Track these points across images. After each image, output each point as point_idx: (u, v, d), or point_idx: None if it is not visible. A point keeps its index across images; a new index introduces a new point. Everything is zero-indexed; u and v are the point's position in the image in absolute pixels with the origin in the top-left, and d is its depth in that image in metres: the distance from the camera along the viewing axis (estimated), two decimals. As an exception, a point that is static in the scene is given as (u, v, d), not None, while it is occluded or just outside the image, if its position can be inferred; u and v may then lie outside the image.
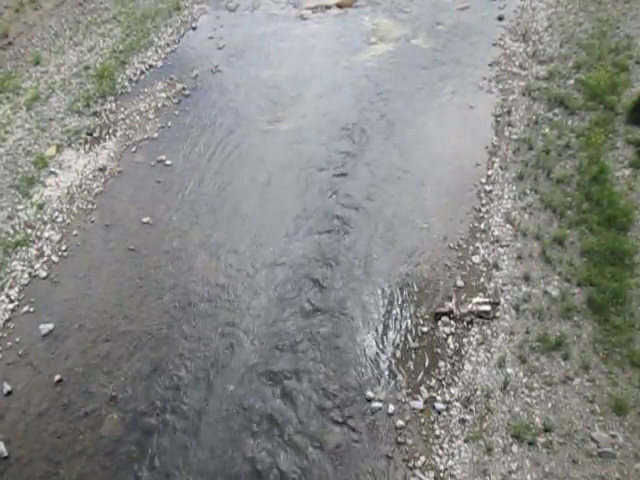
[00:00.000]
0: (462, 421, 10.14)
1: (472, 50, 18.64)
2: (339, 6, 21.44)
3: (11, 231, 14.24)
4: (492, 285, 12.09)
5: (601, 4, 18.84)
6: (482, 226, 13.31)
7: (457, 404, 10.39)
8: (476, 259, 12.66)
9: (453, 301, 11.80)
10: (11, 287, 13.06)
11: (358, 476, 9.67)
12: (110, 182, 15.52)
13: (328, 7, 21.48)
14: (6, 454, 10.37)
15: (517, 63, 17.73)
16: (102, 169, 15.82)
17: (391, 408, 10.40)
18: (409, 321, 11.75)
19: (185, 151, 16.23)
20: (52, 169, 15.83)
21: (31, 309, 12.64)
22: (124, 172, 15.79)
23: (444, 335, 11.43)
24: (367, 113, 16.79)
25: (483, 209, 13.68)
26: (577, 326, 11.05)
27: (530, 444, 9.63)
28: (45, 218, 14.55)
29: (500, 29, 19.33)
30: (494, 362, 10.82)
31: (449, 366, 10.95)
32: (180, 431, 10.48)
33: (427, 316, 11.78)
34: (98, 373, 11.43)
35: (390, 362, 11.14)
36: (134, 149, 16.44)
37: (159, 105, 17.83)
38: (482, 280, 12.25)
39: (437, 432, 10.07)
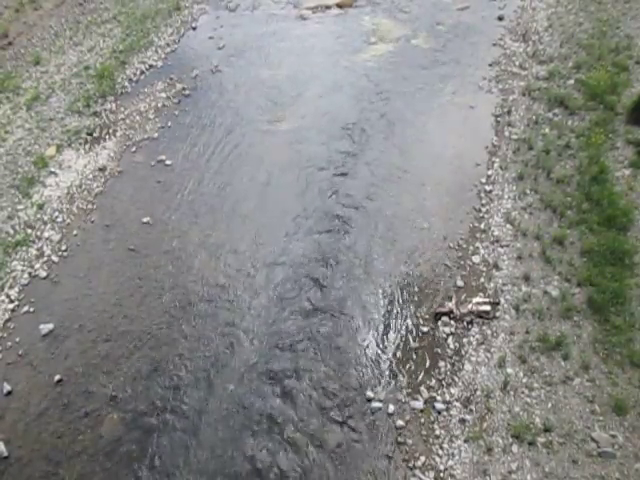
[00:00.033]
0: (462, 421, 10.14)
1: (472, 50, 18.64)
2: (339, 6, 21.44)
3: (11, 231, 14.24)
4: (492, 285, 12.09)
5: (601, 4, 18.84)
6: (482, 226, 13.32)
7: (457, 404, 10.39)
8: (476, 259, 12.66)
9: (453, 301, 11.80)
10: (11, 287, 13.06)
11: (358, 476, 9.67)
12: (110, 182, 15.52)
13: (328, 7, 21.48)
14: (6, 454, 10.37)
15: (517, 63, 17.73)
16: (102, 169, 15.82)
17: (391, 408, 10.41)
18: (409, 321, 11.75)
19: (185, 151, 16.23)
20: (52, 169, 15.83)
21: (31, 309, 12.64)
22: (124, 172, 15.79)
23: (444, 335, 11.43)
24: (367, 113, 16.79)
25: (483, 209, 13.68)
26: (577, 326, 11.05)
27: (530, 444, 9.63)
28: (45, 218, 14.55)
29: (500, 29, 19.33)
30: (494, 362, 10.82)
31: (449, 366, 10.95)
32: (180, 431, 10.48)
33: (427, 316, 11.78)
34: (98, 373, 11.43)
35: (390, 362, 11.14)
36: (134, 149, 16.44)
37: (159, 105, 17.83)
38: (482, 280, 12.25)
39: (437, 432, 10.07)
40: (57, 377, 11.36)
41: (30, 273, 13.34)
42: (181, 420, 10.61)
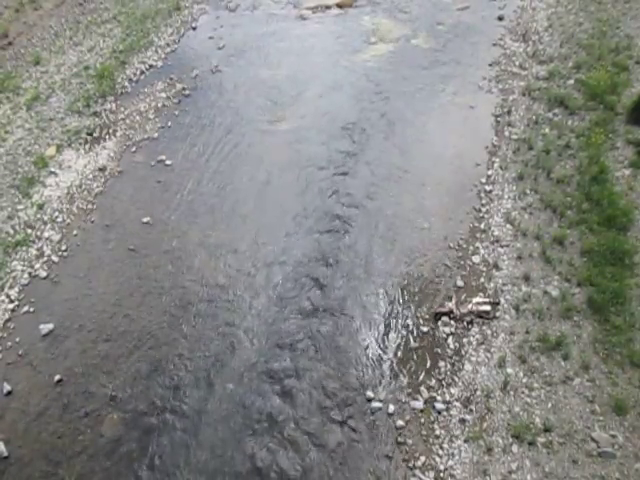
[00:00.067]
0: (462, 421, 10.14)
1: (472, 50, 18.65)
2: (339, 6, 21.44)
3: (11, 231, 14.24)
4: (492, 285, 12.09)
5: (601, 4, 18.84)
6: (482, 226, 13.32)
7: (457, 404, 10.39)
8: (476, 259, 12.66)
9: (453, 301, 11.80)
10: (11, 287, 13.06)
11: (358, 476, 9.67)
12: (110, 182, 15.52)
13: (328, 7, 21.48)
14: (6, 454, 10.37)
15: (517, 63, 17.73)
16: (102, 169, 15.82)
17: (391, 408, 10.41)
18: (409, 321, 11.75)
19: (185, 151, 16.23)
20: (52, 169, 15.83)
21: (31, 309, 12.64)
22: (124, 172, 15.79)
23: (444, 335, 11.43)
24: (367, 113, 16.79)
25: (483, 209, 13.68)
26: (577, 326, 11.05)
27: (530, 444, 9.63)
28: (45, 218, 14.55)
29: (500, 29, 19.33)
30: (494, 362, 10.82)
31: (449, 366, 10.95)
32: (180, 430, 10.48)
33: (427, 316, 11.78)
34: (98, 373, 11.43)
35: (390, 362, 11.14)
36: (134, 149, 16.44)
37: (159, 105, 17.83)
38: (482, 280, 12.25)
39: (437, 432, 10.07)
40: (57, 377, 11.37)
41: (30, 273, 13.34)
42: (181, 420, 10.61)
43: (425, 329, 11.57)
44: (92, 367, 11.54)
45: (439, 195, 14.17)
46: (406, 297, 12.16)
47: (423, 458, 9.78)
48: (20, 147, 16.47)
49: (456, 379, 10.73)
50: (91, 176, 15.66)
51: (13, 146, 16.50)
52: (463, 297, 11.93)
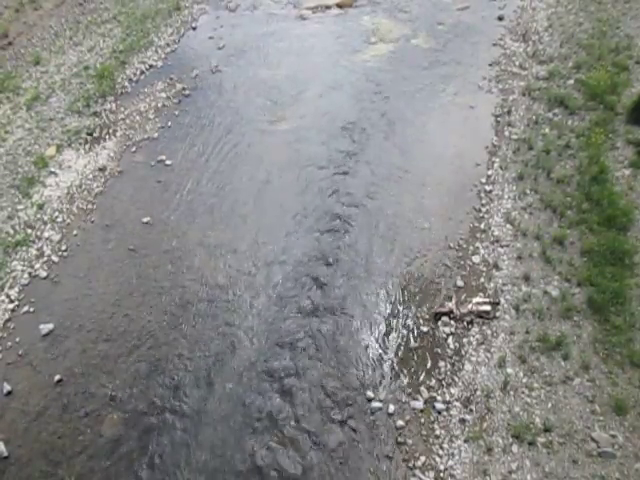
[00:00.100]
0: (462, 421, 10.14)
1: (472, 50, 18.65)
2: (339, 6, 21.44)
3: (11, 231, 14.24)
4: (492, 285, 12.09)
5: (601, 4, 18.84)
6: (482, 226, 13.31)
7: (457, 404, 10.38)
8: (476, 259, 12.66)
9: (453, 301, 11.80)
10: (11, 287, 13.06)
11: (358, 476, 9.67)
12: (110, 182, 15.52)
13: (328, 7, 21.49)
14: (6, 454, 10.36)
15: (517, 63, 17.73)
16: (102, 169, 15.82)
17: (391, 408, 10.40)
18: (409, 321, 11.75)
19: (185, 151, 16.23)
20: (52, 169, 15.83)
21: (31, 309, 12.64)
22: (124, 172, 15.79)
23: (444, 335, 11.43)
24: (367, 112, 16.79)
25: (483, 209, 13.68)
26: (577, 326, 11.05)
27: (530, 444, 9.63)
28: (45, 218, 14.55)
29: (500, 29, 19.34)
30: (494, 362, 10.82)
31: (449, 366, 10.95)
32: (180, 430, 10.47)
33: (427, 316, 11.78)
34: (98, 373, 11.43)
35: (390, 362, 11.14)
36: (134, 149, 16.44)
37: (159, 105, 17.83)
38: (482, 280, 12.25)
39: (437, 432, 10.07)
40: (57, 377, 11.36)
41: (30, 273, 13.34)
42: (181, 419, 10.61)
43: (425, 329, 11.57)
44: (92, 367, 11.54)
45: (439, 195, 14.17)
46: (406, 297, 12.16)
47: (423, 458, 9.77)
48: (20, 147, 16.47)
49: (456, 379, 10.73)
50: (91, 176, 15.66)
51: (13, 146, 16.50)
52: (463, 297, 11.93)
